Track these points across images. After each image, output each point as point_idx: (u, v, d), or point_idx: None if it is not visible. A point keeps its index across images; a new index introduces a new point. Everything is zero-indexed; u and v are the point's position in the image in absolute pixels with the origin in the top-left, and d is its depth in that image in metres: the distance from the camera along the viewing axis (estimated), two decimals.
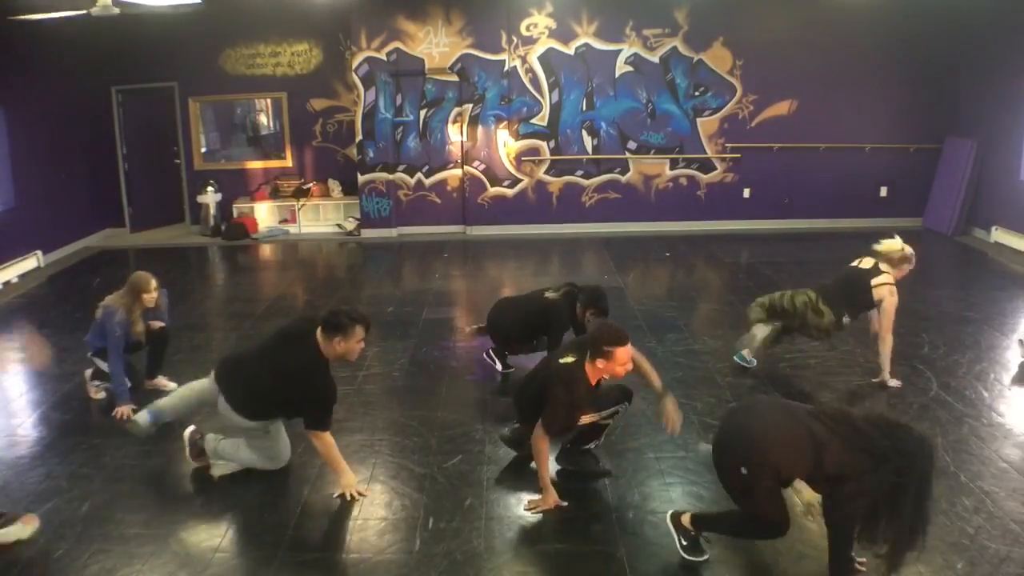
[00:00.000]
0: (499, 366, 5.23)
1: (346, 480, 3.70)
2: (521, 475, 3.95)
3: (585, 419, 3.74)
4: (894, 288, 4.75)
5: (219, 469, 3.91)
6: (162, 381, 5.06)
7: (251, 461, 3.87)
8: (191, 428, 4.01)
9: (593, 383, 3.60)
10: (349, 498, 3.66)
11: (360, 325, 3.56)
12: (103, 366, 4.74)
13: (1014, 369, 5.24)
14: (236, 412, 3.71)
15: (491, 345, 5.36)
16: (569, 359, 3.60)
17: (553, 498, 3.59)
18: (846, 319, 4.94)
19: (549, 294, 5.02)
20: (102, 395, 4.90)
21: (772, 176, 10.02)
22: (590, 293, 4.92)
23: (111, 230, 10.46)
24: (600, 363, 3.48)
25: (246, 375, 3.73)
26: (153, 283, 4.72)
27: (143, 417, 4.01)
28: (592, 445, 3.99)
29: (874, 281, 4.78)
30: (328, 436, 3.67)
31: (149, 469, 4.05)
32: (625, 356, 3.45)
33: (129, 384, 4.68)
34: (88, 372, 4.96)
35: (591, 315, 4.86)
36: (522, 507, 3.66)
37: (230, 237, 10.02)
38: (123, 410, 4.54)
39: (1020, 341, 5.45)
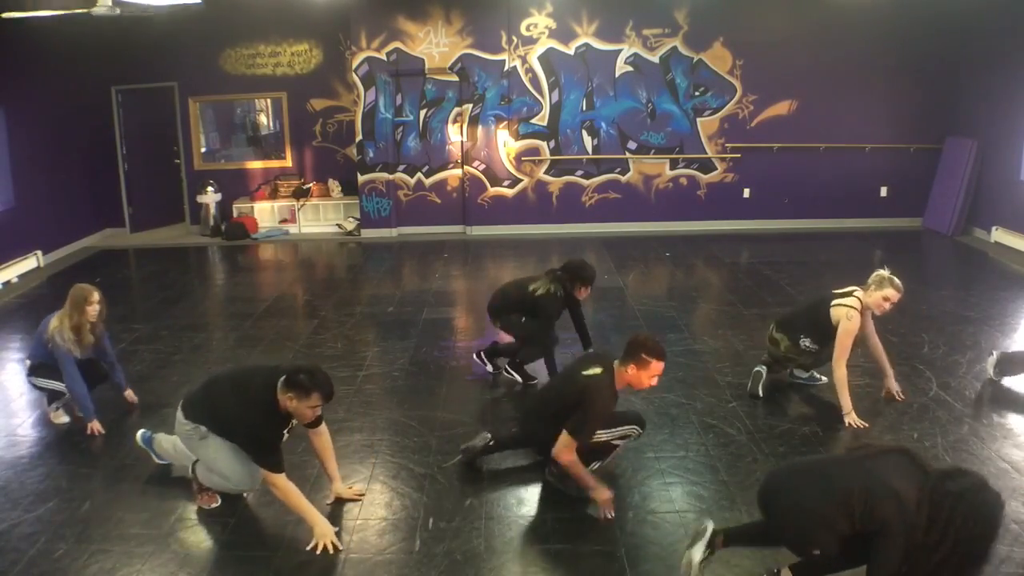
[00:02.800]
0: (489, 368, 5.22)
1: (321, 529, 3.35)
2: (521, 475, 3.95)
3: (599, 437, 3.70)
4: (853, 313, 4.36)
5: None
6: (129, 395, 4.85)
7: (226, 486, 3.61)
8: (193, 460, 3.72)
9: (618, 388, 3.60)
10: (321, 549, 3.30)
11: (318, 393, 3.28)
12: (46, 385, 4.51)
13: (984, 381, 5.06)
14: (200, 423, 3.52)
15: (481, 346, 5.40)
16: (595, 370, 3.58)
17: (605, 492, 3.55)
18: (806, 342, 4.63)
19: (536, 288, 4.89)
20: (65, 419, 4.61)
21: (772, 176, 10.02)
22: (572, 270, 4.85)
23: (111, 230, 10.46)
24: (632, 369, 3.50)
25: (208, 400, 3.54)
26: (95, 295, 4.45)
27: (140, 435, 4.07)
28: (596, 465, 3.78)
29: (835, 302, 4.47)
30: (279, 479, 3.34)
31: (149, 469, 4.05)
32: (658, 370, 3.50)
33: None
34: (45, 398, 4.65)
35: (584, 289, 4.86)
36: (522, 507, 3.66)
37: (230, 237, 10.02)
38: (94, 425, 4.44)
39: (994, 360, 5.04)
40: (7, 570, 3.20)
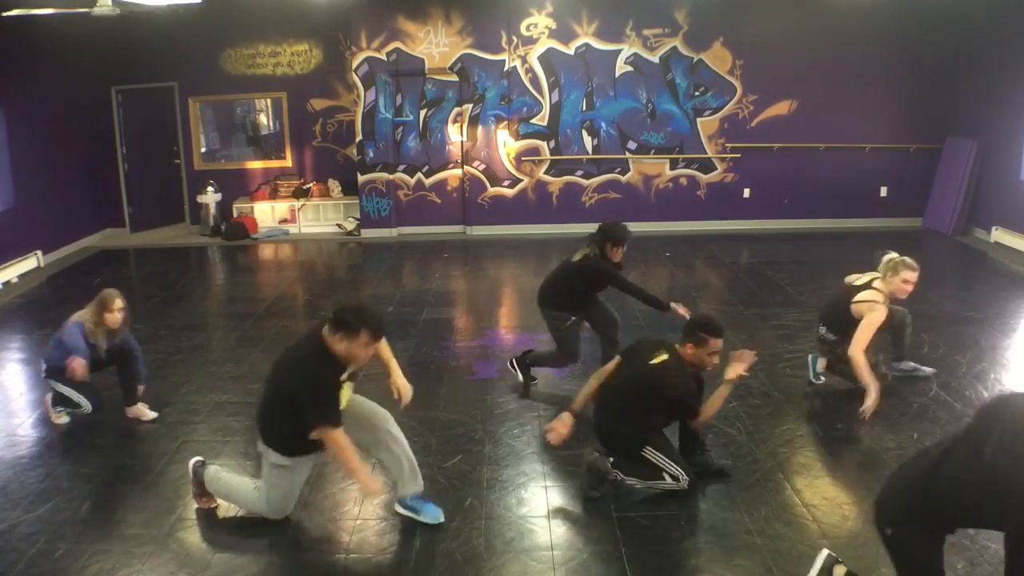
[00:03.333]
0: (520, 377, 5.05)
1: (370, 488, 3.24)
2: (521, 475, 3.96)
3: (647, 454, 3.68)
4: (876, 305, 4.40)
5: (224, 510, 3.66)
6: (142, 410, 4.66)
7: (247, 503, 3.55)
8: (195, 459, 3.70)
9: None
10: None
11: (366, 330, 3.17)
12: (60, 389, 4.45)
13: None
14: (271, 448, 3.39)
15: (515, 354, 5.21)
16: (663, 357, 3.64)
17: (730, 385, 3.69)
18: (822, 330, 4.76)
19: (575, 257, 4.92)
20: (64, 419, 4.58)
21: (772, 176, 10.02)
22: (604, 230, 4.86)
23: (111, 230, 10.46)
24: (691, 348, 3.62)
25: (263, 398, 3.45)
26: (118, 302, 4.48)
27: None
28: (633, 481, 3.69)
29: (855, 298, 4.51)
30: (338, 434, 3.20)
31: (149, 469, 4.05)
32: (717, 347, 3.62)
33: (89, 407, 4.46)
34: (48, 397, 4.60)
35: (616, 250, 4.82)
36: (522, 507, 3.66)
37: (230, 237, 10.02)
38: (77, 362, 4.23)
39: None
40: (7, 570, 3.20)
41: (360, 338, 3.16)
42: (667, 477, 3.64)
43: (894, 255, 4.50)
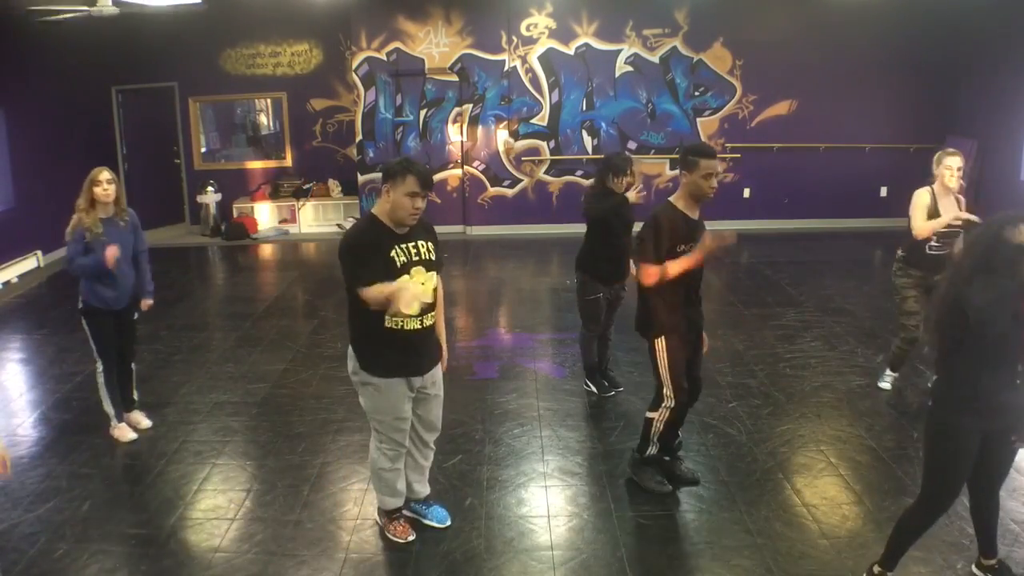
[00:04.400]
0: (594, 388, 4.96)
1: (395, 296, 2.86)
2: (521, 475, 3.96)
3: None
4: (921, 191, 4.45)
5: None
6: (138, 418, 4.53)
7: (373, 452, 3.38)
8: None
9: (687, 205, 3.52)
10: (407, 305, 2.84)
11: (413, 176, 3.01)
12: (88, 332, 4.35)
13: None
14: (355, 356, 3.23)
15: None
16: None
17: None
18: (899, 251, 4.71)
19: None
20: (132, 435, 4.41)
21: (772, 176, 10.02)
22: (604, 161, 4.90)
23: None
24: (686, 177, 3.47)
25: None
26: (105, 174, 4.30)
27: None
28: (638, 454, 3.82)
29: None
30: (363, 291, 2.99)
31: (149, 469, 4.05)
32: (710, 169, 3.42)
33: (102, 369, 4.32)
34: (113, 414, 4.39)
35: (616, 179, 4.84)
36: (522, 507, 3.66)
37: (230, 237, 10.02)
38: (110, 251, 4.17)
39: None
40: (7, 570, 3.20)
41: (406, 183, 3.01)
42: (658, 411, 3.69)
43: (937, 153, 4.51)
